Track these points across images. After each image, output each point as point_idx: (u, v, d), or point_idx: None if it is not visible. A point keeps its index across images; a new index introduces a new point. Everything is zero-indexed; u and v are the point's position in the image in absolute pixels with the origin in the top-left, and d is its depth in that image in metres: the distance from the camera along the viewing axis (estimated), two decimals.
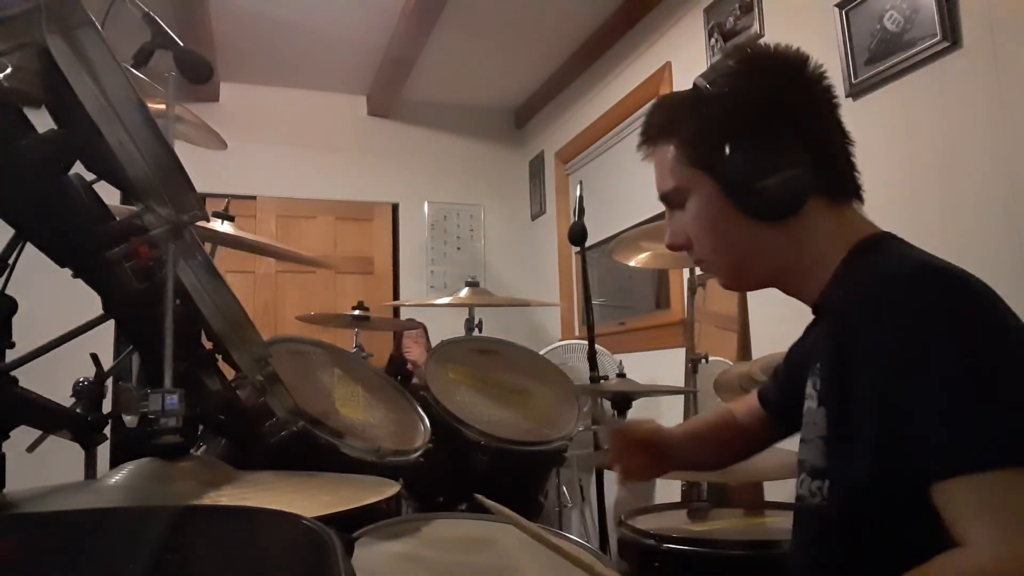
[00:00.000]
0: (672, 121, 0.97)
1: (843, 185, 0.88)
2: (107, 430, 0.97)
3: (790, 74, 0.89)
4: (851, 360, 0.77)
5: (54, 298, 1.54)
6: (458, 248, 4.46)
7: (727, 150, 0.86)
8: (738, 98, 0.88)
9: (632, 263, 2.18)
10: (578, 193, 2.29)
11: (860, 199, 0.90)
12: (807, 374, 0.89)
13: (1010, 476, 0.63)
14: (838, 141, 0.90)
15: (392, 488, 0.87)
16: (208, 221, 1.82)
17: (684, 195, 0.94)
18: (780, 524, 1.47)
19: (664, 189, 0.98)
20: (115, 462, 0.82)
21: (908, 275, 0.75)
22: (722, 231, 0.91)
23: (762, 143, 0.85)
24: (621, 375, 2.28)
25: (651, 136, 1.02)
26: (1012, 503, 0.62)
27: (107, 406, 0.98)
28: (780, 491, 1.83)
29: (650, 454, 1.16)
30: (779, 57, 0.91)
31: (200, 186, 0.83)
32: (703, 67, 2.76)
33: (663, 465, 1.18)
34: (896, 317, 0.72)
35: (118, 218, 0.84)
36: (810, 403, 0.87)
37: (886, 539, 0.75)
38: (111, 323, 0.90)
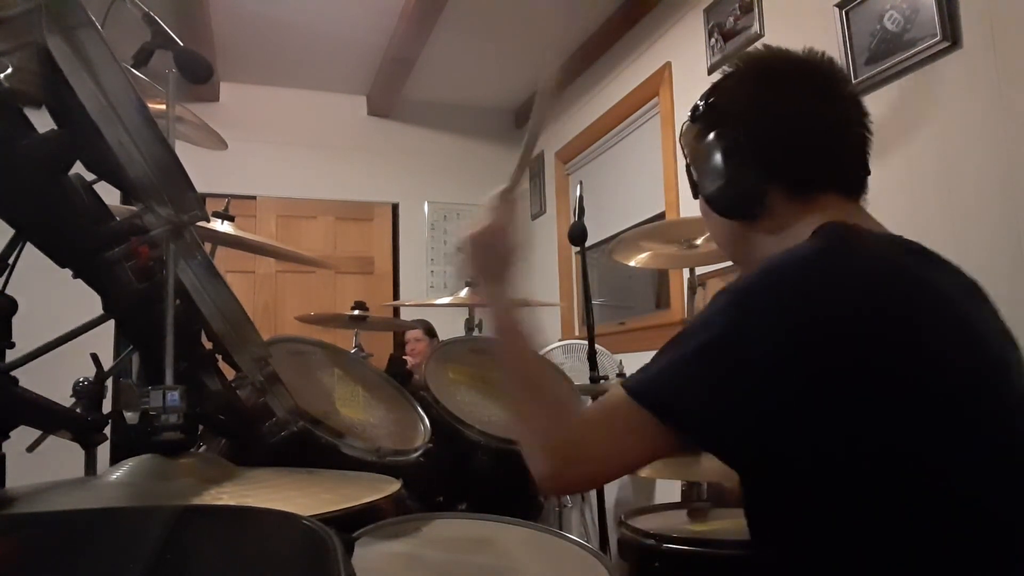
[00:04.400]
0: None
1: (808, 177, 0.91)
2: (107, 430, 0.97)
3: (758, 78, 0.94)
4: None
5: (54, 298, 1.54)
6: (458, 248, 4.45)
7: (697, 158, 0.97)
8: (705, 109, 0.96)
9: (632, 263, 2.18)
10: (578, 193, 2.29)
11: (839, 187, 0.91)
12: None
13: (628, 400, 0.80)
14: (806, 134, 0.91)
15: (392, 486, 0.87)
16: (208, 221, 1.82)
17: None
18: None
19: None
20: (115, 462, 0.82)
21: (770, 261, 0.81)
22: (717, 234, 1.00)
23: (715, 148, 0.93)
24: (621, 375, 2.28)
25: None
26: (608, 403, 0.82)
27: (107, 406, 0.99)
28: None
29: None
30: (752, 61, 0.97)
31: (200, 186, 0.83)
32: (703, 67, 2.76)
33: None
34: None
35: (118, 218, 0.84)
36: None
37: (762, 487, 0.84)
38: (111, 323, 0.90)
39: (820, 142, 0.90)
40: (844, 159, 0.92)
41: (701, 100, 0.98)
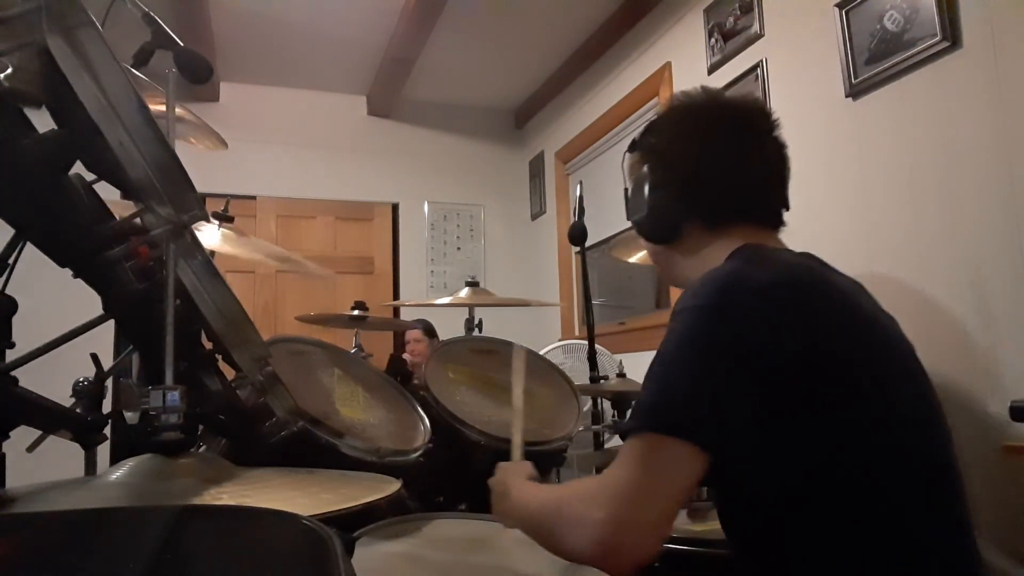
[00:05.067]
0: None
1: (722, 212, 1.02)
2: (107, 430, 0.97)
3: (685, 121, 1.06)
4: None
5: (54, 298, 1.54)
6: (458, 248, 4.46)
7: (631, 185, 1.11)
8: (640, 142, 1.10)
9: (632, 260, 2.18)
10: (578, 193, 2.29)
11: (751, 220, 1.02)
12: None
13: (637, 438, 0.81)
14: (722, 175, 1.02)
15: (392, 486, 0.87)
16: (208, 221, 1.82)
17: None
18: None
19: None
20: (115, 462, 0.82)
21: (697, 281, 0.89)
22: (650, 252, 1.13)
23: (644, 180, 1.06)
24: (621, 375, 2.28)
25: None
26: (624, 451, 0.82)
27: (107, 406, 0.99)
28: None
29: None
30: (684, 104, 1.08)
31: (200, 186, 0.83)
32: (703, 67, 2.76)
33: None
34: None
35: (118, 218, 0.84)
36: None
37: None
38: (111, 323, 0.90)
39: (734, 182, 1.01)
40: (756, 197, 1.03)
41: (639, 133, 1.11)
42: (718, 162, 1.01)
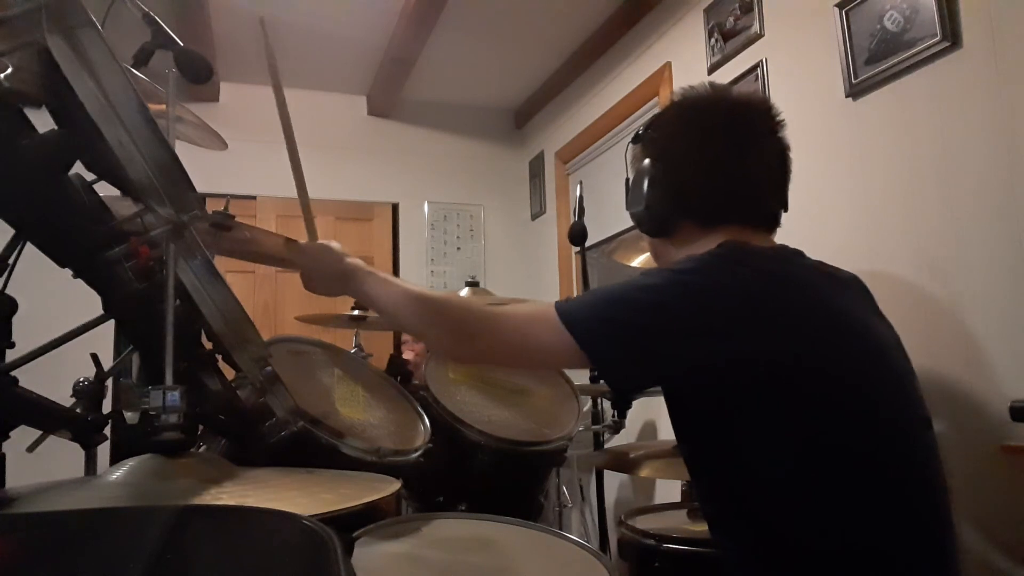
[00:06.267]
0: None
1: (714, 213, 1.05)
2: (107, 430, 0.97)
3: (686, 119, 1.08)
4: None
5: (54, 298, 1.54)
6: (458, 248, 4.46)
7: (631, 177, 1.14)
8: (642, 135, 1.12)
9: (633, 264, 2.18)
10: (578, 193, 2.29)
11: (744, 221, 1.04)
12: None
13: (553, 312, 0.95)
14: (718, 178, 1.04)
15: (392, 486, 0.87)
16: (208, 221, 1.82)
17: None
18: None
19: None
20: (115, 462, 0.82)
21: (684, 259, 0.97)
22: (646, 240, 1.17)
23: (643, 174, 1.09)
24: None
25: None
26: (536, 310, 0.98)
27: (107, 406, 0.99)
28: None
29: None
30: (688, 101, 1.09)
31: (200, 186, 0.83)
32: (703, 67, 2.76)
33: None
34: None
35: (118, 218, 0.84)
36: None
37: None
38: (111, 323, 0.90)
39: (729, 187, 1.04)
40: (751, 201, 1.05)
41: (643, 126, 1.13)
42: (714, 167, 1.03)
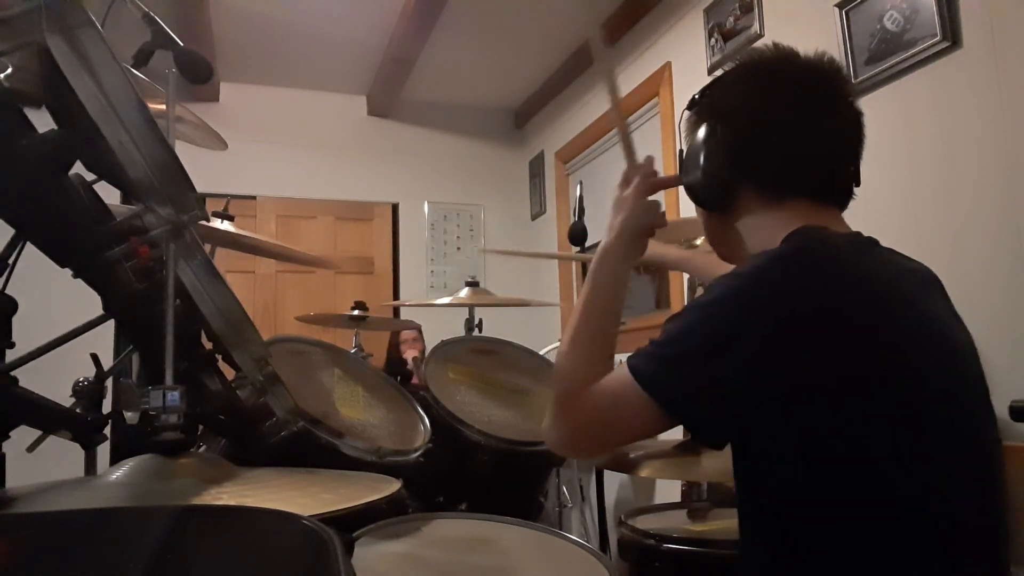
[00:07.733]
0: None
1: (781, 181, 0.93)
2: (107, 430, 0.97)
3: (751, 78, 0.96)
4: None
5: (54, 298, 1.54)
6: (458, 248, 4.46)
7: (686, 146, 1.01)
8: (699, 100, 1.00)
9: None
10: (578, 193, 2.29)
11: (813, 194, 0.93)
12: None
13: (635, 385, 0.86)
14: (786, 140, 0.92)
15: (392, 486, 0.87)
16: (208, 221, 1.82)
17: None
18: None
19: None
20: (115, 462, 0.82)
21: (745, 264, 0.86)
22: (701, 219, 1.04)
23: (700, 140, 0.96)
24: None
25: None
26: (618, 384, 0.89)
27: (107, 406, 0.99)
28: None
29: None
30: (752, 60, 0.98)
31: (200, 186, 0.83)
32: (703, 67, 2.76)
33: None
34: None
35: (118, 218, 0.84)
36: None
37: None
38: (111, 323, 0.90)
39: (798, 151, 0.92)
40: (821, 169, 0.93)
41: (699, 91, 1.01)
42: (781, 125, 0.91)
